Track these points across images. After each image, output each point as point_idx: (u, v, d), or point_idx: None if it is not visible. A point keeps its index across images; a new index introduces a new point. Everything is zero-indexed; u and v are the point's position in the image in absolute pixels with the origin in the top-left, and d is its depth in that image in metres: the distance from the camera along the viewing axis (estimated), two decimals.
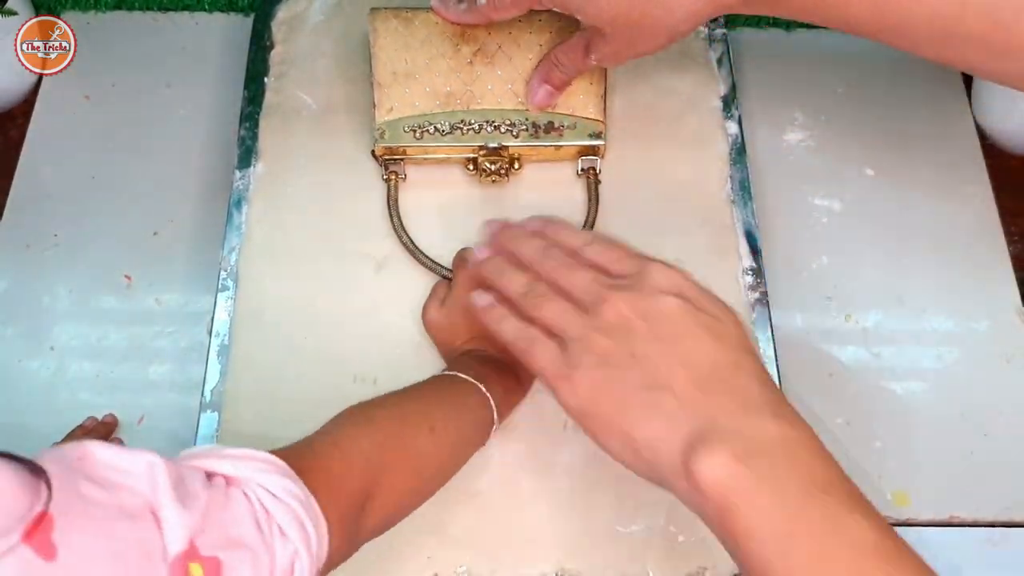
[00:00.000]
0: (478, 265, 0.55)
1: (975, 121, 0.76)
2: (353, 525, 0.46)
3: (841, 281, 0.69)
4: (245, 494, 0.39)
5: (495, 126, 0.65)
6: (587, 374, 0.46)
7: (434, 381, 0.56)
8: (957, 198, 0.73)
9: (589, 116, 0.66)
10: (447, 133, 0.65)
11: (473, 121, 0.65)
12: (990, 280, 0.70)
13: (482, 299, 0.53)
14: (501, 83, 0.65)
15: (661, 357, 0.45)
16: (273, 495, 0.40)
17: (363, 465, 0.47)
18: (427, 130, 0.65)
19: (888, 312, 0.69)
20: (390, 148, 0.65)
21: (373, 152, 0.66)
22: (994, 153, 0.75)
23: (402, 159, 0.66)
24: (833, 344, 0.67)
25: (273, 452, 0.44)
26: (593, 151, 0.67)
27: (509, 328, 0.51)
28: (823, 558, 0.39)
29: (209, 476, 0.39)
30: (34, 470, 0.33)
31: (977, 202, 0.73)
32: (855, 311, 0.68)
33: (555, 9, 0.58)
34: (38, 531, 0.32)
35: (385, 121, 0.65)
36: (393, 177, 0.66)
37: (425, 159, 0.67)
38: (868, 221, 0.72)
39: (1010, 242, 0.71)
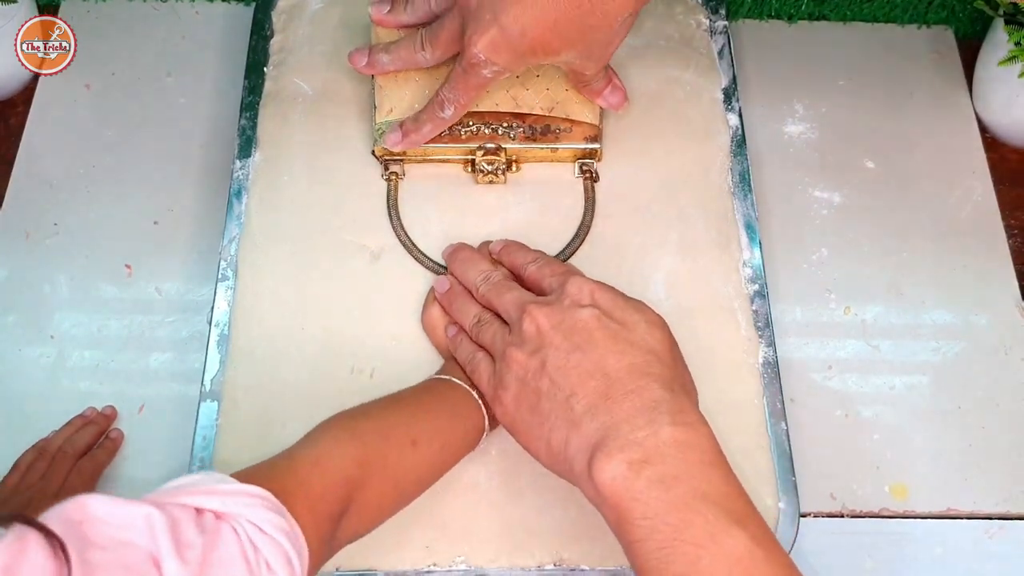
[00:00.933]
0: (440, 298, 0.60)
1: (976, 114, 0.76)
2: (329, 541, 0.47)
3: (841, 274, 0.69)
4: (234, 530, 0.41)
5: (492, 128, 0.66)
6: (509, 391, 0.51)
7: (426, 387, 0.57)
8: (957, 191, 0.73)
9: (586, 120, 0.66)
10: (445, 134, 0.65)
11: (471, 123, 0.65)
12: (989, 273, 0.70)
13: (451, 329, 0.59)
14: (499, 88, 0.66)
15: (572, 368, 0.49)
16: (261, 530, 0.41)
17: (343, 483, 0.48)
18: None
19: (887, 305, 0.69)
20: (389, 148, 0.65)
21: (373, 152, 0.66)
22: (994, 146, 0.75)
23: (401, 159, 0.66)
24: (832, 337, 0.67)
25: (254, 469, 0.46)
26: (590, 155, 0.67)
27: (463, 352, 0.56)
28: (698, 568, 0.42)
29: (198, 511, 0.41)
30: (49, 536, 0.34)
31: (977, 195, 0.73)
32: (854, 304, 0.68)
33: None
34: None
35: (385, 121, 0.65)
36: (393, 177, 0.66)
37: (424, 159, 0.67)
38: (868, 214, 0.72)
39: (1010, 235, 0.71)
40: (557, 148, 0.66)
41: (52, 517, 0.36)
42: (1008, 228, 0.72)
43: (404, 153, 0.66)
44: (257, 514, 0.42)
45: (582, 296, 0.52)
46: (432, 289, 0.62)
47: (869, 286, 0.69)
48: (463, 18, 0.57)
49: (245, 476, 0.44)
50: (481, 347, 0.56)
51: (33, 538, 0.34)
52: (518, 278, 0.58)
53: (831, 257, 0.70)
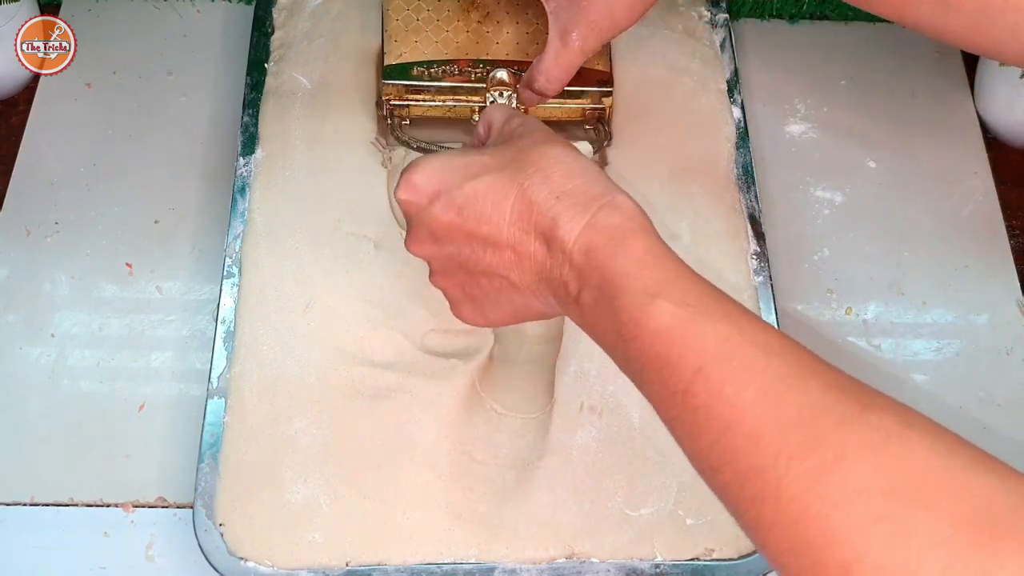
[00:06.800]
0: None
1: (978, 114, 0.76)
2: None
3: (842, 273, 0.69)
4: None
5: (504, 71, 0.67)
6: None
7: None
8: (959, 191, 0.73)
9: (597, 68, 0.67)
10: (456, 74, 0.66)
11: (481, 67, 0.66)
12: (991, 273, 0.70)
13: None
14: (509, 40, 0.67)
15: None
16: None
17: None
18: (435, 73, 0.66)
19: (888, 305, 0.69)
20: (397, 87, 0.66)
21: (378, 101, 0.67)
22: (996, 146, 0.75)
23: (407, 104, 0.67)
24: (833, 336, 0.67)
25: None
26: (599, 110, 0.68)
27: None
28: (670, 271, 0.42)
29: None
30: None
31: (979, 195, 0.73)
32: (856, 303, 0.68)
33: None
34: None
35: (394, 64, 0.66)
36: (396, 122, 0.67)
37: (432, 106, 0.67)
38: (869, 214, 0.72)
39: (1011, 235, 0.71)
40: (571, 89, 0.65)
41: None
42: (1009, 228, 0.72)
43: (409, 97, 0.66)
44: None
45: None
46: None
47: (870, 286, 0.69)
48: None
49: None
50: None
51: None
52: None
53: (832, 257, 0.70)
